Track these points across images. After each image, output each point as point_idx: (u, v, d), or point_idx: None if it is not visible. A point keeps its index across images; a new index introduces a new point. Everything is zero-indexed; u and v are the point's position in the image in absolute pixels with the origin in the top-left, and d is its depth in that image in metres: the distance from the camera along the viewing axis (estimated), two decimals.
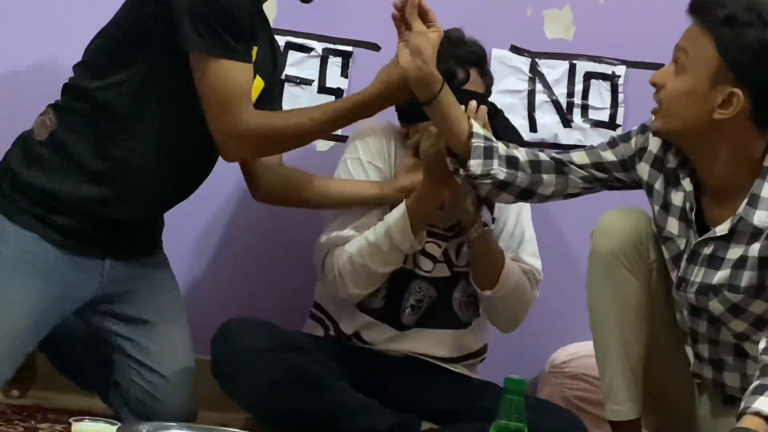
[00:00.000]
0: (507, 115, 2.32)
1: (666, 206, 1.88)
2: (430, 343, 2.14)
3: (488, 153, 1.87)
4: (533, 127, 2.43)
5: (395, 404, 2.04)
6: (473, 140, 1.88)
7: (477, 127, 1.90)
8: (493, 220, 2.10)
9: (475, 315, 2.17)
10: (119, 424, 1.69)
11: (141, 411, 2.00)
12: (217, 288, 2.43)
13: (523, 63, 2.44)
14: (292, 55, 2.36)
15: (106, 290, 2.00)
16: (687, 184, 1.86)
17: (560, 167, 1.90)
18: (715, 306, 1.79)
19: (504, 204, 2.12)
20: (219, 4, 1.85)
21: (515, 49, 2.44)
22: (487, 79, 2.12)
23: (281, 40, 2.32)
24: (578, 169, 1.90)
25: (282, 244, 2.38)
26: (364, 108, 1.94)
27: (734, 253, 1.81)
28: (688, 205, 1.86)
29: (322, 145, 2.38)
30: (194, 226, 2.39)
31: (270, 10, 2.30)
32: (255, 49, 1.94)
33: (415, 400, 2.07)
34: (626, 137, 1.94)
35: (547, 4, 2.43)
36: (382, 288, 2.11)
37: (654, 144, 1.88)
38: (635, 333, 1.87)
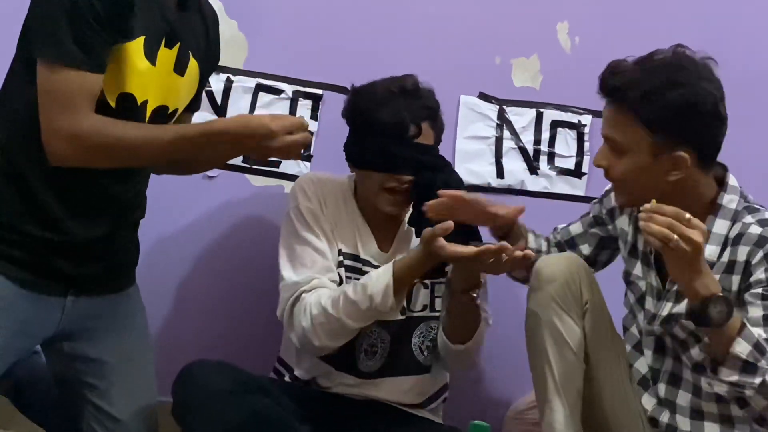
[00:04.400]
0: (475, 160, 2.41)
1: (633, 251, 1.94)
2: (394, 391, 2.12)
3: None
4: (500, 173, 2.45)
5: None
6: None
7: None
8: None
9: (435, 358, 2.15)
10: None
11: None
12: (184, 331, 2.40)
13: (491, 110, 2.46)
14: (262, 97, 2.36)
15: (67, 327, 1.94)
16: None
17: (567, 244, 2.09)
18: (679, 331, 1.85)
19: None
20: (61, 3, 1.75)
21: (483, 96, 2.45)
22: (438, 129, 2.11)
23: (251, 82, 2.33)
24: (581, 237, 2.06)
25: (251, 290, 2.37)
26: (210, 137, 1.82)
27: None
28: (649, 249, 1.92)
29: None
30: (160, 264, 2.36)
31: (240, 52, 2.33)
32: (142, 38, 1.83)
33: None
34: (600, 201, 2.07)
35: (515, 53, 2.46)
36: None
37: None
38: (571, 370, 1.89)
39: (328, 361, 2.09)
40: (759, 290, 1.82)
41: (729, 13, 2.54)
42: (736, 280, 1.85)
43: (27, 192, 1.86)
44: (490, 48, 2.45)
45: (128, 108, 1.85)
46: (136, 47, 1.82)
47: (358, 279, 2.06)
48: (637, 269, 1.98)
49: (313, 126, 2.38)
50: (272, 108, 2.36)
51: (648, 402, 1.93)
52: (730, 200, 1.88)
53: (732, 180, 1.92)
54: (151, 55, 1.84)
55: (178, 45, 1.89)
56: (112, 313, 1.99)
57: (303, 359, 2.12)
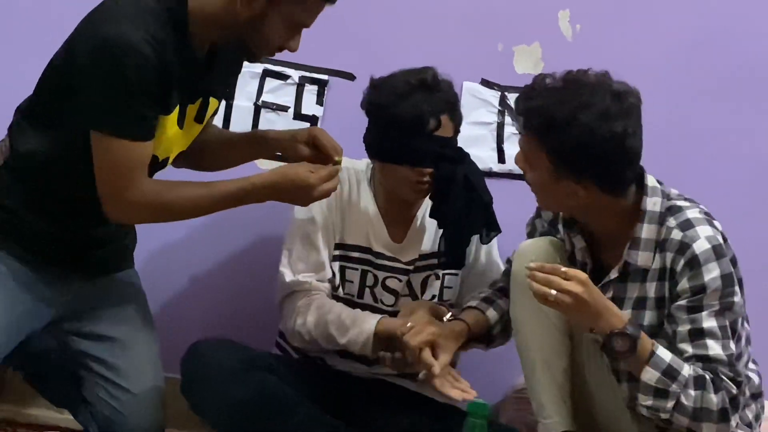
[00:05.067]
0: (477, 145, 2.42)
1: (572, 259, 1.96)
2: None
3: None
4: (501, 158, 2.46)
5: (361, 424, 2.07)
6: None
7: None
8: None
9: None
10: None
11: (109, 428, 2.00)
12: (189, 307, 2.45)
13: (493, 96, 2.47)
14: (270, 82, 2.39)
15: (75, 307, 2.01)
16: (579, 240, 1.95)
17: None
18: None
19: (474, 246, 2.19)
20: (119, 81, 1.81)
21: (486, 83, 2.47)
22: (457, 120, 2.13)
23: (259, 68, 2.36)
24: None
25: (255, 267, 2.40)
26: (252, 192, 1.92)
27: (632, 292, 1.89)
28: (581, 258, 1.94)
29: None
30: (166, 245, 2.42)
31: None
32: (177, 108, 1.90)
33: (381, 421, 2.10)
34: (539, 215, 2.07)
35: (516, 40, 2.47)
36: None
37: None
38: (557, 348, 1.92)
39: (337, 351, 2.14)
40: (684, 302, 1.82)
41: (728, 3, 2.54)
42: (667, 286, 1.87)
43: (42, 193, 1.94)
44: (492, 35, 2.47)
45: (151, 164, 1.93)
46: (171, 118, 1.90)
47: (370, 272, 2.13)
48: None
49: (318, 111, 2.42)
50: (278, 93, 2.39)
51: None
52: (653, 203, 1.87)
53: (650, 180, 1.90)
54: (181, 120, 1.92)
55: (200, 100, 1.96)
56: (116, 292, 2.06)
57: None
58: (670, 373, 1.77)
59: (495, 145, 2.47)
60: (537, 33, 2.47)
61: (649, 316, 1.88)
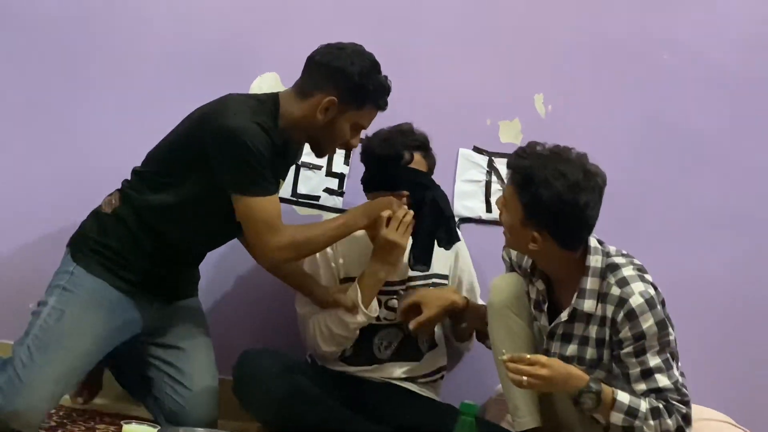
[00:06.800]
0: (469, 198, 2.66)
1: (528, 297, 2.13)
2: (401, 371, 2.39)
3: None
4: (489, 208, 2.66)
5: (373, 419, 2.25)
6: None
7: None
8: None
9: (432, 346, 2.43)
10: (159, 428, 1.90)
11: (174, 419, 2.22)
12: (240, 320, 2.62)
13: (483, 160, 2.67)
14: (308, 147, 2.41)
15: (154, 324, 2.26)
16: (539, 283, 2.08)
17: None
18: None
19: (460, 265, 2.42)
20: (253, 158, 2.04)
21: (477, 149, 2.67)
22: (430, 161, 2.34)
23: None
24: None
25: (291, 291, 2.46)
26: (349, 228, 2.21)
27: (578, 331, 2.02)
28: (541, 298, 2.07)
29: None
30: (222, 271, 2.60)
31: None
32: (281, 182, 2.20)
33: (390, 416, 2.29)
34: (507, 252, 2.20)
35: (501, 117, 2.69)
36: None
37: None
38: None
39: (349, 363, 2.35)
40: (630, 349, 1.93)
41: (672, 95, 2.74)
42: (607, 332, 1.98)
43: (139, 239, 2.18)
44: (482, 112, 2.68)
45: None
46: None
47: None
48: (537, 315, 2.12)
49: (345, 170, 2.63)
50: (313, 155, 2.42)
51: None
52: (595, 260, 1.98)
53: (593, 242, 2.00)
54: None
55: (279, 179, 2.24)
56: (184, 314, 2.31)
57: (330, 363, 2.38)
58: (631, 412, 1.90)
59: (484, 198, 2.66)
60: (517, 111, 2.69)
61: (590, 353, 2.01)
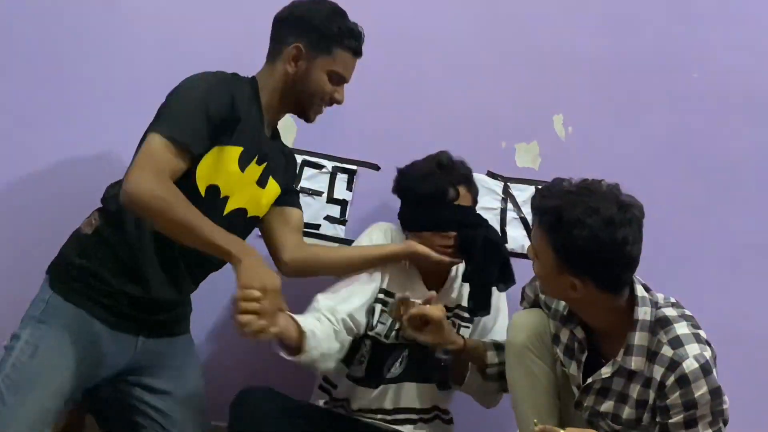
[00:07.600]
0: None
1: (553, 337, 2.03)
2: (410, 396, 2.29)
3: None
4: (505, 239, 2.55)
5: None
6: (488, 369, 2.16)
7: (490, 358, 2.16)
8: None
9: (442, 383, 2.32)
10: None
11: None
12: (233, 361, 2.52)
13: (497, 186, 2.57)
14: (307, 171, 2.51)
15: (138, 362, 2.14)
16: (578, 330, 1.97)
17: None
18: (602, 428, 1.95)
19: (496, 327, 2.33)
20: (172, 95, 1.96)
21: (491, 174, 2.58)
22: (473, 192, 2.28)
23: (299, 158, 2.45)
24: None
25: None
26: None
27: (617, 386, 1.91)
28: (577, 346, 1.96)
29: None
30: (215, 307, 2.50)
31: (290, 133, 2.49)
32: (240, 149, 2.03)
33: None
34: (532, 288, 2.13)
35: (518, 139, 2.60)
36: (365, 355, 2.28)
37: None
38: (548, 407, 1.98)
39: (357, 382, 2.28)
40: (679, 418, 1.81)
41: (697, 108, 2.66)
42: (652, 394, 1.86)
43: (124, 258, 2.06)
44: (496, 134, 2.60)
45: (211, 199, 2.04)
46: (233, 153, 2.05)
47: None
48: (572, 368, 2.01)
49: (348, 196, 2.55)
50: (314, 180, 2.52)
51: None
52: (644, 312, 1.86)
53: (639, 291, 1.88)
54: (242, 165, 2.08)
55: (265, 164, 2.13)
56: (173, 353, 2.20)
57: (339, 378, 2.32)
58: None
59: (499, 228, 2.55)
60: (535, 133, 2.60)
61: (627, 412, 1.91)
